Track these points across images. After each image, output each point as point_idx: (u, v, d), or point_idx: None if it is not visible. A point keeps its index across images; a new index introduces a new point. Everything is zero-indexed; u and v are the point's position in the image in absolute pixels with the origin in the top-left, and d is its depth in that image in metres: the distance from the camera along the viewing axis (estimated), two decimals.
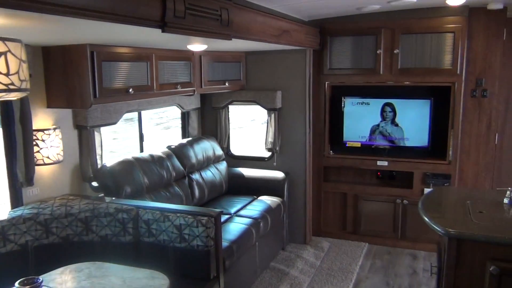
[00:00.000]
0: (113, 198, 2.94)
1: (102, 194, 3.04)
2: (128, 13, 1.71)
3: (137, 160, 3.26)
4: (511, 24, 4.04)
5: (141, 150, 3.78)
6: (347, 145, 4.44)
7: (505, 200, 2.55)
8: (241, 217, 3.64)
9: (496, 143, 4.18)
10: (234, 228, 3.40)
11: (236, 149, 4.67)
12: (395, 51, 4.06)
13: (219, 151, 4.33)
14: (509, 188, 2.58)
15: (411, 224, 4.25)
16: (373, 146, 4.38)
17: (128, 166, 3.15)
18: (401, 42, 4.05)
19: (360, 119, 4.37)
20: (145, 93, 3.07)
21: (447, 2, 3.55)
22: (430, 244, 3.95)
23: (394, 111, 4.25)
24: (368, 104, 4.33)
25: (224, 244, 3.01)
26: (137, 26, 1.81)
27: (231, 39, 2.51)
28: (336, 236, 4.58)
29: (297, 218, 4.42)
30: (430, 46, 4.02)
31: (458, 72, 3.94)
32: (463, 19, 3.87)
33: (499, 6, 3.79)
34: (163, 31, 1.93)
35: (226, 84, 4.06)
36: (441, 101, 4.11)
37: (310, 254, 4.19)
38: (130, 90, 2.86)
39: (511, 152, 4.23)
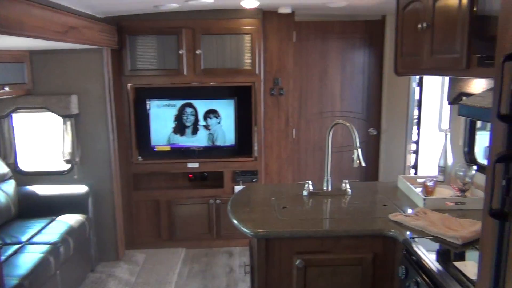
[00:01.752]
0: None
1: None
2: None
3: None
4: (300, 27, 4.41)
5: None
6: (155, 149, 4.23)
7: (304, 193, 2.70)
8: (35, 245, 3.09)
9: (294, 137, 4.52)
10: (26, 259, 2.86)
11: (27, 164, 4.01)
12: (197, 52, 4.01)
13: (4, 169, 3.64)
14: (307, 181, 2.74)
15: (224, 222, 4.29)
16: (182, 149, 4.27)
17: None
18: (202, 42, 4.02)
19: (166, 122, 4.21)
20: None
21: (241, 4, 3.64)
22: (244, 239, 4.04)
23: (198, 111, 4.21)
24: (174, 106, 4.19)
25: (12, 282, 2.49)
26: None
27: None
28: (151, 246, 4.34)
29: (106, 234, 4.03)
30: (230, 47, 4.09)
31: (257, 72, 4.11)
32: (258, 21, 4.05)
33: (288, 10, 4.07)
34: None
35: (6, 88, 3.41)
36: (244, 100, 4.23)
37: (124, 271, 3.86)
38: None
39: (305, 145, 4.63)
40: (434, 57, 2.28)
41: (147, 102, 4.15)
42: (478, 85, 2.46)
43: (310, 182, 2.73)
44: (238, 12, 4.00)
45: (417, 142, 3.85)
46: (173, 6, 3.61)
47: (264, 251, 2.16)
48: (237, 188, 4.17)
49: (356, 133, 2.53)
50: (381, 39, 4.50)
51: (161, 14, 3.91)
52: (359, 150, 2.50)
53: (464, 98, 2.69)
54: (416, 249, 1.91)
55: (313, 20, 4.46)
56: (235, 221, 2.29)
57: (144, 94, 4.21)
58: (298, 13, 4.29)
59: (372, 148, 4.61)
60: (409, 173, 3.93)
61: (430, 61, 2.33)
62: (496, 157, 1.10)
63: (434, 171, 2.91)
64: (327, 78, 4.53)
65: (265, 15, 4.14)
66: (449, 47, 2.12)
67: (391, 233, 2.11)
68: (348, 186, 2.74)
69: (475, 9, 1.85)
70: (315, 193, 2.70)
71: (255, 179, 4.27)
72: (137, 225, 4.34)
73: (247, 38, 4.08)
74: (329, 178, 2.73)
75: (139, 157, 4.27)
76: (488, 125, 2.84)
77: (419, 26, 2.39)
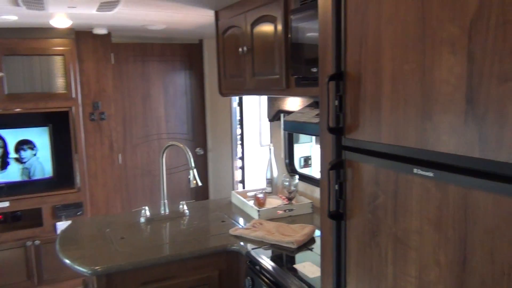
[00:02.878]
0: None
1: None
2: None
3: None
4: (118, 49, 4.26)
5: None
6: None
7: (141, 219, 2.59)
8: None
9: (120, 163, 4.31)
10: None
11: None
12: None
13: None
14: (143, 207, 2.64)
15: (48, 264, 3.80)
16: None
17: None
18: (5, 64, 3.54)
19: None
20: None
21: (51, 23, 3.35)
22: (75, 279, 3.66)
23: (6, 142, 3.68)
24: None
25: None
26: None
27: None
28: None
29: None
30: (40, 69, 3.69)
31: (73, 96, 3.80)
32: (71, 42, 3.76)
33: (104, 31, 3.90)
34: None
35: None
36: (61, 127, 3.86)
37: None
38: None
39: (133, 170, 4.47)
40: (256, 78, 2.47)
41: None
42: (294, 103, 2.75)
43: (146, 208, 2.64)
44: (48, 32, 3.65)
45: (242, 158, 4.08)
46: None
47: None
48: (60, 225, 3.76)
49: (190, 153, 2.55)
50: (200, 61, 4.67)
51: None
52: (195, 170, 2.53)
53: (282, 115, 2.98)
54: (259, 259, 2.01)
55: (132, 42, 4.37)
56: (67, 261, 2.06)
57: None
58: (114, 35, 4.16)
59: (200, 168, 4.71)
60: (239, 188, 4.13)
61: (253, 82, 2.51)
62: (329, 166, 1.24)
63: (261, 184, 3.13)
64: (150, 100, 4.47)
65: (79, 35, 3.88)
66: (269, 69, 2.32)
67: (234, 247, 2.18)
68: (185, 207, 2.73)
69: (289, 36, 2.08)
70: (153, 218, 2.61)
71: (80, 212, 3.91)
72: None
73: (59, 59, 3.75)
74: (166, 201, 2.68)
75: None
76: (300, 138, 3.21)
77: (240, 50, 2.56)
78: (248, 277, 2.03)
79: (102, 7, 2.67)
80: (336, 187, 1.26)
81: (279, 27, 2.19)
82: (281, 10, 2.16)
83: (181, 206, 2.73)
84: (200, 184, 2.51)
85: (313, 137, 3.38)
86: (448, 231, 0.92)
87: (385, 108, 1.07)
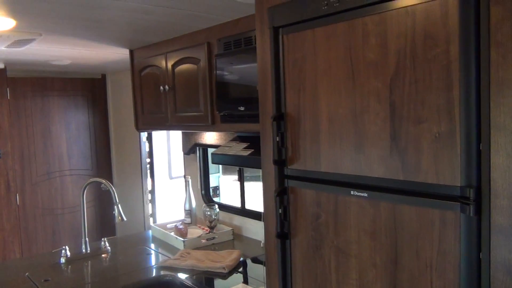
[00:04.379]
0: None
1: None
2: None
3: None
4: (14, 83, 4.06)
5: None
6: None
7: (62, 260, 2.52)
8: None
9: (18, 204, 4.04)
10: None
11: None
12: None
13: None
14: (63, 247, 2.57)
15: None
16: None
17: None
18: None
19: None
20: None
21: None
22: None
23: None
24: None
25: None
26: None
27: None
28: None
29: None
30: None
31: None
32: None
33: (0, 66, 3.72)
34: None
35: None
36: None
37: None
38: None
39: (33, 210, 4.20)
40: (179, 114, 2.62)
41: None
42: (210, 137, 2.94)
43: (66, 247, 2.57)
44: None
45: (152, 192, 4.11)
46: None
47: None
48: None
49: (113, 189, 2.57)
50: (104, 96, 4.62)
51: None
52: (119, 206, 2.55)
53: (198, 148, 3.14)
54: (194, 286, 2.12)
55: (30, 76, 4.19)
56: None
57: None
58: (10, 68, 3.96)
59: (106, 203, 4.59)
60: (150, 222, 4.13)
61: (175, 118, 2.65)
62: (276, 193, 1.45)
63: (174, 216, 3.23)
64: (51, 137, 4.29)
65: None
66: (193, 107, 2.49)
67: (167, 278, 2.25)
68: (107, 243, 2.71)
69: (215, 74, 2.28)
70: (74, 258, 2.55)
71: None
72: None
73: None
74: (87, 239, 2.64)
75: None
76: (214, 168, 3.39)
77: (161, 88, 2.69)
78: None
79: (14, 44, 2.61)
80: (280, 210, 1.47)
81: (203, 67, 2.38)
82: (205, 54, 2.36)
83: (102, 243, 2.71)
84: (125, 219, 2.54)
85: (220, 168, 3.59)
86: (381, 238, 1.18)
87: (323, 143, 1.32)
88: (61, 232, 4.27)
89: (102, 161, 4.60)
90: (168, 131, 3.90)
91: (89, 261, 2.55)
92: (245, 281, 2.16)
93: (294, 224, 1.45)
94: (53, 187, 4.25)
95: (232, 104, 2.15)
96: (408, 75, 1.08)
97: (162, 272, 2.30)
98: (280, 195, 1.46)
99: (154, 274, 2.28)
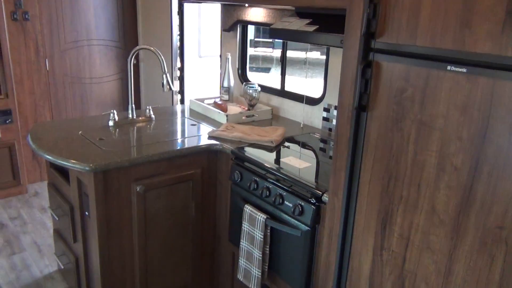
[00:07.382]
0: None
1: None
2: None
3: None
4: None
5: None
6: None
7: (110, 123, 2.60)
8: None
9: (47, 69, 4.04)
10: None
11: None
12: None
13: None
14: (111, 111, 2.64)
15: None
16: None
17: None
18: None
19: None
20: None
21: None
22: (3, 190, 3.54)
23: None
24: None
25: None
26: None
27: None
28: None
29: None
30: None
31: None
32: None
33: None
34: None
35: None
36: None
37: None
38: None
39: (62, 78, 4.21)
40: None
41: None
42: (256, 14, 2.86)
43: (114, 111, 2.64)
44: None
45: (181, 69, 4.08)
46: None
47: (102, 184, 2.06)
48: None
49: (162, 57, 2.57)
50: None
51: None
52: (168, 75, 2.57)
53: (239, 25, 3.07)
54: (247, 155, 2.23)
55: None
56: (61, 161, 2.05)
57: None
58: None
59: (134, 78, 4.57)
60: (177, 99, 4.17)
61: None
62: (362, 65, 1.47)
63: (203, 94, 3.27)
64: (78, 2, 4.14)
65: None
66: None
67: (217, 146, 2.36)
68: (152, 112, 2.78)
69: None
70: (123, 122, 2.64)
71: (10, 120, 3.68)
72: None
73: None
74: (133, 106, 2.70)
75: None
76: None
77: None
78: (237, 171, 2.24)
79: None
80: (362, 83, 1.50)
81: None
82: None
83: (147, 111, 2.78)
84: (173, 89, 2.58)
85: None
86: (473, 113, 1.23)
87: (424, 16, 1.30)
88: (89, 102, 4.33)
89: (129, 33, 4.49)
90: (200, 3, 3.75)
91: (136, 126, 2.64)
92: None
93: (374, 98, 1.49)
94: (81, 56, 4.20)
95: None
96: None
97: (210, 141, 2.39)
98: (364, 67, 1.47)
99: (204, 142, 2.38)
